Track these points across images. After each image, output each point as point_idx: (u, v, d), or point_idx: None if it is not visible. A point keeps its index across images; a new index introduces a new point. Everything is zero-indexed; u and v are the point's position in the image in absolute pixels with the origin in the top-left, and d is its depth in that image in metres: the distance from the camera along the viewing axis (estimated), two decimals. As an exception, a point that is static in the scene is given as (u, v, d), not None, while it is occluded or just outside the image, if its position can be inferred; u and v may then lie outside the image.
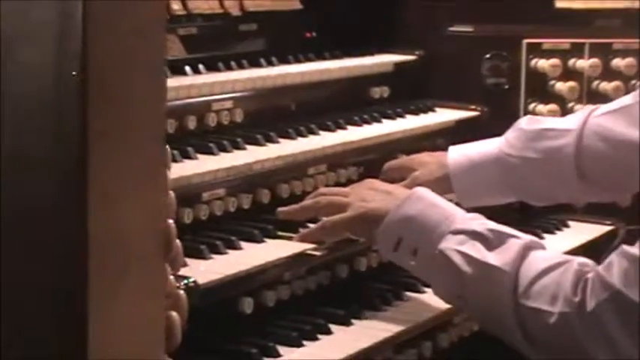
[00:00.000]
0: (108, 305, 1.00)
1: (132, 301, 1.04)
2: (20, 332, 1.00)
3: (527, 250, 1.55)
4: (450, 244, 1.59)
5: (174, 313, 1.16)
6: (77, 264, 0.96)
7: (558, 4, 2.26)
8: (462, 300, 1.63)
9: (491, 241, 1.58)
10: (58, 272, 0.97)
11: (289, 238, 1.72)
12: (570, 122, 1.96)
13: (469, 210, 1.75)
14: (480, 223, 1.62)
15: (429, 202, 1.67)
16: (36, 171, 0.98)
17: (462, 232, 1.60)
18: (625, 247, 1.46)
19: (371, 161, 2.01)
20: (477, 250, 1.57)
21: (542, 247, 1.63)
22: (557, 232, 2.16)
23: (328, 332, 1.62)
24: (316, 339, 1.58)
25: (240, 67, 2.05)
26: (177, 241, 1.19)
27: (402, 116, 2.17)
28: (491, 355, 1.92)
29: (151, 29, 1.03)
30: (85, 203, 0.95)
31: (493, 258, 1.55)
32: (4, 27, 0.99)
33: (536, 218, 2.13)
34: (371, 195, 1.75)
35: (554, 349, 1.52)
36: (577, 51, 2.28)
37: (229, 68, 2.03)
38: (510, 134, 1.96)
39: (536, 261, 1.53)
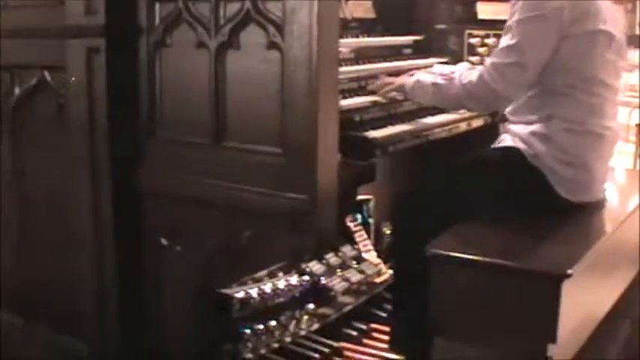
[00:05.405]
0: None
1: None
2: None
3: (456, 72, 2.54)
4: (428, 79, 2.56)
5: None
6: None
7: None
8: (439, 101, 2.61)
9: (444, 77, 2.54)
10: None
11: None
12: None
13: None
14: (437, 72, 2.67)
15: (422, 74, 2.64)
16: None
17: (430, 78, 2.57)
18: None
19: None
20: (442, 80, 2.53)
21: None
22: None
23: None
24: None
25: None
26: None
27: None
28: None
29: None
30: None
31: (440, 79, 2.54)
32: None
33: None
34: (400, 79, 2.71)
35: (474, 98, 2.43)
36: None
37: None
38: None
39: (462, 74, 2.48)
